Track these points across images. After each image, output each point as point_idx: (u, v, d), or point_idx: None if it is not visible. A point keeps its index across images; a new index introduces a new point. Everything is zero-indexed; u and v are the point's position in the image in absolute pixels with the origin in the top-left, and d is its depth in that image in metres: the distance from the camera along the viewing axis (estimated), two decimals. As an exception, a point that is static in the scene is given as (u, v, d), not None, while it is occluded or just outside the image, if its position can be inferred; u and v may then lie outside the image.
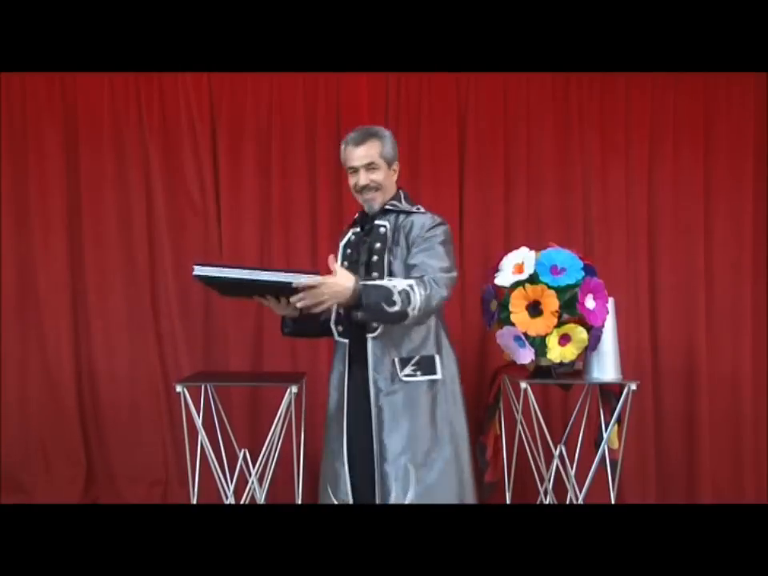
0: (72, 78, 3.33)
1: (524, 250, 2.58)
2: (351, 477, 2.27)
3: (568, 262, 2.49)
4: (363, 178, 2.27)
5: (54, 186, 3.35)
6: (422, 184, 3.39)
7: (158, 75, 3.33)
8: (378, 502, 2.22)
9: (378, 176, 2.27)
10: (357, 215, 2.44)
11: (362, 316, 2.08)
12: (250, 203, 3.38)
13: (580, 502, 2.75)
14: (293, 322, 2.33)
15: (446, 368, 2.28)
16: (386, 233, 2.26)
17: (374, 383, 2.22)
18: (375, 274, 2.22)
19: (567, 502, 2.81)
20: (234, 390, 3.29)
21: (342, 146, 2.35)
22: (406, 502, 2.19)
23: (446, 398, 2.27)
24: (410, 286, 2.07)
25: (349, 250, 2.35)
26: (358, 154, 2.27)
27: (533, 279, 2.47)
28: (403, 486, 2.20)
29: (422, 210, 2.32)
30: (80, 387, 3.40)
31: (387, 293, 2.03)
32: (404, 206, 2.30)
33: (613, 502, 2.73)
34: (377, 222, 2.29)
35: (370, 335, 2.22)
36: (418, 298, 2.07)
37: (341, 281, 2.00)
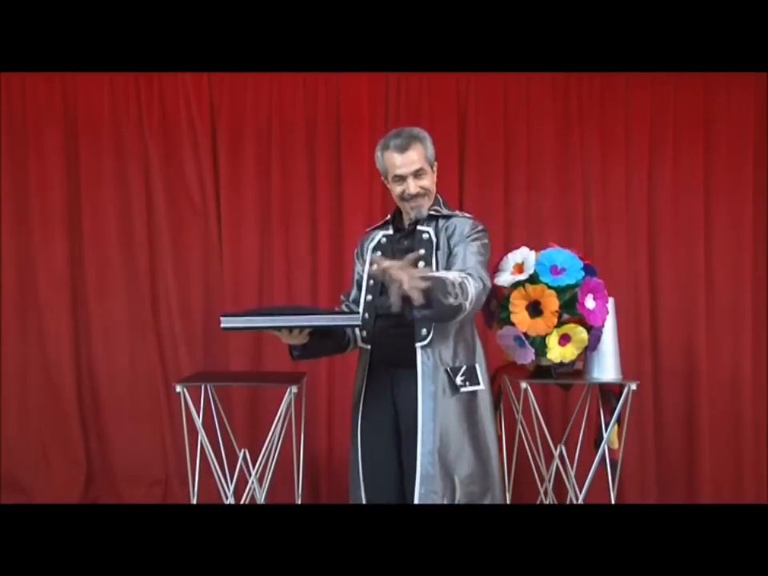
0: (72, 78, 3.33)
1: (524, 249, 2.57)
2: (366, 490, 2.16)
3: (568, 261, 2.49)
4: (413, 186, 2.14)
5: (54, 186, 3.35)
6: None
7: (158, 75, 3.33)
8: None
9: (426, 182, 2.16)
10: (389, 217, 2.31)
11: (421, 312, 1.87)
12: (250, 203, 3.38)
13: (580, 501, 2.74)
14: (302, 347, 2.15)
15: (484, 378, 2.19)
16: (429, 238, 2.15)
17: (431, 396, 2.07)
18: None
19: (567, 502, 2.81)
20: (234, 390, 3.29)
21: (380, 152, 2.19)
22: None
23: (485, 408, 2.19)
24: (465, 279, 1.95)
25: (379, 253, 2.22)
26: (405, 161, 2.13)
27: (533, 279, 2.47)
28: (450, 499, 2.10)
29: (463, 213, 2.23)
30: (80, 387, 3.40)
31: (443, 284, 1.87)
32: (444, 210, 2.20)
33: (613, 501, 2.73)
34: (419, 227, 2.17)
35: (419, 344, 2.08)
36: (473, 290, 1.95)
37: (413, 270, 1.83)
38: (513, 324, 2.48)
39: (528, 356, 2.51)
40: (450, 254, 2.12)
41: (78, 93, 3.35)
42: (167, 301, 3.39)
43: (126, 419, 3.38)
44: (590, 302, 2.48)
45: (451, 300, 1.87)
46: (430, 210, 2.18)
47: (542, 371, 2.64)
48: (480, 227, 2.16)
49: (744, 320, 3.48)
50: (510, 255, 2.59)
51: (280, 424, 2.64)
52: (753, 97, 3.48)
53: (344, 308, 2.29)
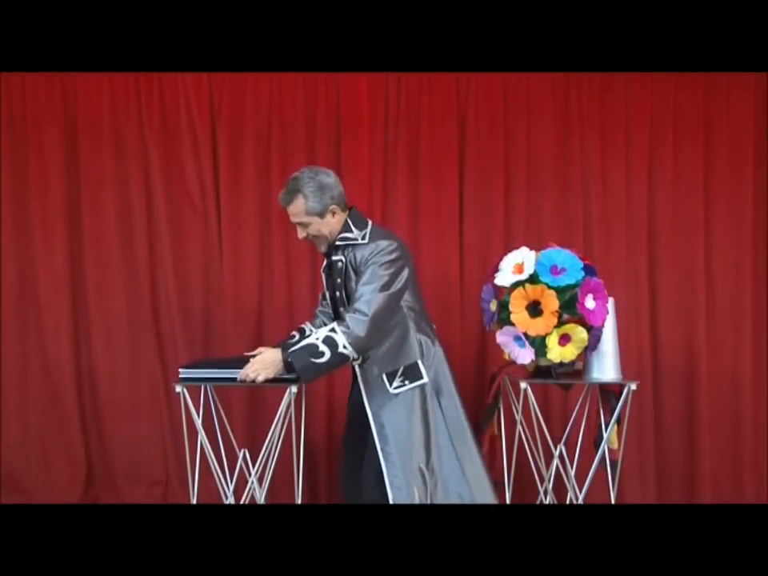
0: (72, 78, 3.32)
1: (524, 249, 2.58)
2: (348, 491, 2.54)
3: (568, 261, 2.49)
4: (300, 233, 2.47)
5: (54, 186, 3.35)
6: (422, 184, 3.39)
7: (158, 75, 3.32)
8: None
9: (312, 229, 2.44)
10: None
11: (304, 378, 2.35)
12: (250, 203, 3.38)
13: (580, 502, 2.75)
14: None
15: (430, 368, 2.44)
16: (342, 267, 2.45)
17: (369, 404, 2.40)
18: (342, 309, 2.45)
19: (567, 502, 2.81)
20: (234, 390, 3.29)
21: None
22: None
23: (438, 396, 2.44)
24: (332, 330, 2.30)
25: (324, 280, 2.59)
26: (291, 212, 2.45)
27: (533, 279, 2.47)
28: (423, 490, 2.32)
29: (367, 235, 2.43)
30: (80, 387, 3.39)
31: (312, 348, 2.29)
32: (354, 234, 2.43)
33: (613, 501, 2.73)
34: (333, 257, 2.48)
35: (355, 362, 2.41)
36: (342, 338, 2.28)
37: (267, 357, 2.36)
38: (513, 324, 2.48)
39: (528, 356, 2.51)
40: (345, 279, 2.44)
41: (78, 93, 3.35)
42: (167, 301, 3.38)
43: (126, 419, 3.37)
44: (590, 302, 2.48)
45: (326, 357, 2.27)
46: (337, 240, 2.45)
47: (541, 371, 2.64)
48: (380, 249, 2.37)
49: (744, 320, 3.47)
50: (510, 255, 2.59)
51: (280, 424, 2.63)
52: (753, 97, 3.47)
53: (320, 310, 2.74)
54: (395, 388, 2.39)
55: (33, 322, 3.38)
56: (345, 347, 2.29)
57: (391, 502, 2.30)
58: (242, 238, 3.37)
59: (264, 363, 2.35)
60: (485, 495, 2.40)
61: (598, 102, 3.45)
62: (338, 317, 2.50)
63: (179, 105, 3.35)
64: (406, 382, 2.40)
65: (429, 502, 2.31)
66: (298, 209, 2.42)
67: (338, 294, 2.48)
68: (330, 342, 2.29)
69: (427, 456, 2.37)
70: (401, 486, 2.32)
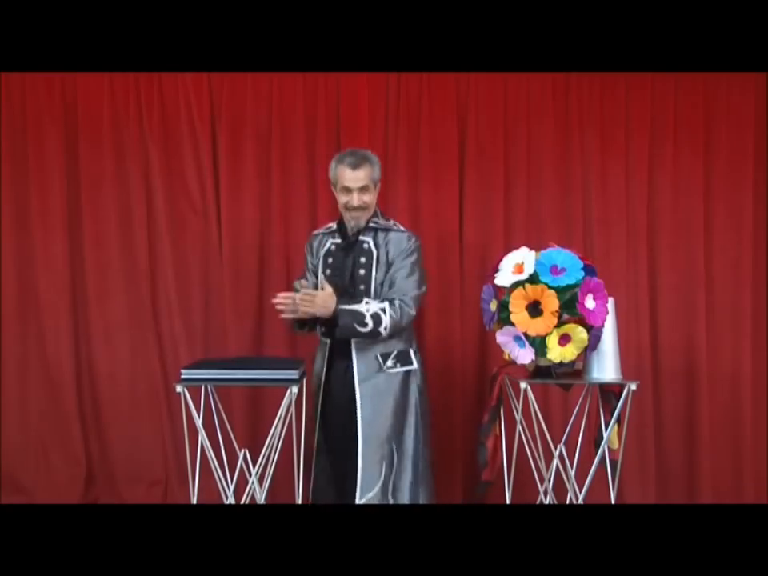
0: (72, 77, 3.33)
1: (524, 249, 2.57)
2: (332, 463, 2.68)
3: (568, 261, 2.49)
4: (357, 199, 2.57)
5: (54, 186, 3.35)
6: (422, 184, 3.39)
7: (158, 75, 3.32)
8: (359, 479, 2.52)
9: (368, 197, 2.59)
10: (334, 225, 2.73)
11: (339, 334, 2.50)
12: (250, 203, 3.38)
13: (580, 501, 2.74)
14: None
15: (417, 360, 2.68)
16: (369, 248, 2.61)
17: (358, 372, 2.57)
18: (362, 287, 2.58)
19: (567, 502, 2.81)
20: (234, 390, 3.29)
21: (334, 164, 2.62)
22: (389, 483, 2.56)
23: (418, 388, 2.66)
24: (382, 309, 2.50)
25: (330, 260, 2.67)
26: (355, 176, 2.56)
27: (533, 279, 2.47)
28: (389, 466, 2.56)
29: (397, 225, 2.68)
30: (80, 387, 3.40)
31: (360, 316, 2.47)
32: (382, 222, 2.66)
33: (613, 502, 2.73)
34: (361, 237, 2.63)
35: (353, 339, 2.56)
36: (388, 319, 2.50)
37: (327, 302, 2.45)
38: (513, 324, 2.48)
39: (528, 356, 2.51)
40: (387, 267, 2.59)
41: (78, 93, 3.35)
42: (167, 301, 3.39)
43: (126, 419, 3.38)
44: (589, 302, 2.48)
45: (367, 328, 2.47)
46: (369, 222, 2.62)
47: (541, 371, 2.64)
48: (413, 240, 2.64)
49: (744, 320, 3.47)
50: (510, 255, 2.59)
51: (280, 424, 2.63)
52: (753, 97, 3.47)
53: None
54: (388, 368, 2.60)
55: (33, 322, 3.38)
56: (385, 329, 2.50)
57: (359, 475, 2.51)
58: (242, 237, 3.37)
59: (324, 306, 2.45)
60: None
61: (598, 102, 3.45)
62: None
63: (179, 105, 3.35)
64: (398, 365, 2.62)
65: (390, 484, 2.55)
66: (365, 173, 2.57)
67: (361, 271, 2.58)
68: (376, 318, 2.49)
69: (398, 440, 2.60)
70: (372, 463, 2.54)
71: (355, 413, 2.56)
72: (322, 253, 2.71)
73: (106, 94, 3.34)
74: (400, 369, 2.63)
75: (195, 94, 3.34)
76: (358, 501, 2.52)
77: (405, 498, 2.59)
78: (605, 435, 2.68)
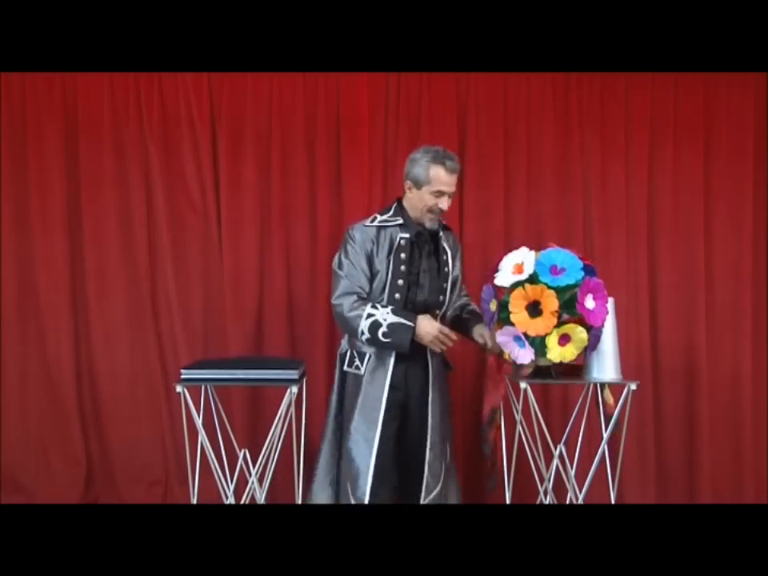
0: (72, 78, 3.32)
1: (524, 249, 2.57)
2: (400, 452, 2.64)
3: (568, 261, 2.49)
4: (446, 204, 2.55)
5: (54, 186, 3.34)
6: (422, 184, 3.38)
7: (158, 75, 3.32)
8: (425, 480, 2.55)
9: (450, 203, 2.59)
10: (399, 220, 2.60)
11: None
12: (250, 203, 3.37)
13: (580, 501, 2.75)
14: None
15: None
16: (445, 248, 2.68)
17: (432, 371, 2.65)
18: (445, 285, 2.67)
19: (567, 502, 2.81)
20: (234, 390, 3.29)
21: (426, 163, 2.53)
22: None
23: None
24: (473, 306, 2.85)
25: (402, 255, 2.56)
26: (451, 181, 2.54)
27: (533, 279, 2.47)
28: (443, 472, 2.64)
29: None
30: (80, 387, 3.39)
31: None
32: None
33: (613, 502, 2.73)
34: (441, 234, 2.67)
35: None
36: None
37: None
38: (513, 324, 2.48)
39: (528, 356, 2.51)
40: (453, 263, 2.70)
41: (78, 93, 3.34)
42: (167, 301, 3.38)
43: (126, 419, 3.37)
44: (589, 302, 2.48)
45: None
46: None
47: (541, 371, 2.64)
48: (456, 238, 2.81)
49: (744, 320, 3.47)
50: (510, 255, 2.59)
51: (280, 424, 2.64)
52: (753, 97, 3.47)
53: (369, 306, 2.53)
54: (448, 369, 2.77)
55: (33, 322, 3.38)
56: None
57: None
58: (242, 238, 3.37)
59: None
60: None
61: (598, 102, 3.45)
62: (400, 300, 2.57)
63: (179, 105, 3.35)
64: (447, 366, 2.78)
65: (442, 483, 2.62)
66: (456, 179, 2.58)
67: (446, 268, 2.65)
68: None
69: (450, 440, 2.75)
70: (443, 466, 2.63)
71: (426, 411, 2.61)
72: (387, 245, 2.57)
73: (106, 94, 3.34)
74: (446, 370, 2.77)
75: (195, 94, 3.34)
76: (422, 501, 2.55)
77: (453, 498, 2.77)
78: (605, 435, 2.69)
